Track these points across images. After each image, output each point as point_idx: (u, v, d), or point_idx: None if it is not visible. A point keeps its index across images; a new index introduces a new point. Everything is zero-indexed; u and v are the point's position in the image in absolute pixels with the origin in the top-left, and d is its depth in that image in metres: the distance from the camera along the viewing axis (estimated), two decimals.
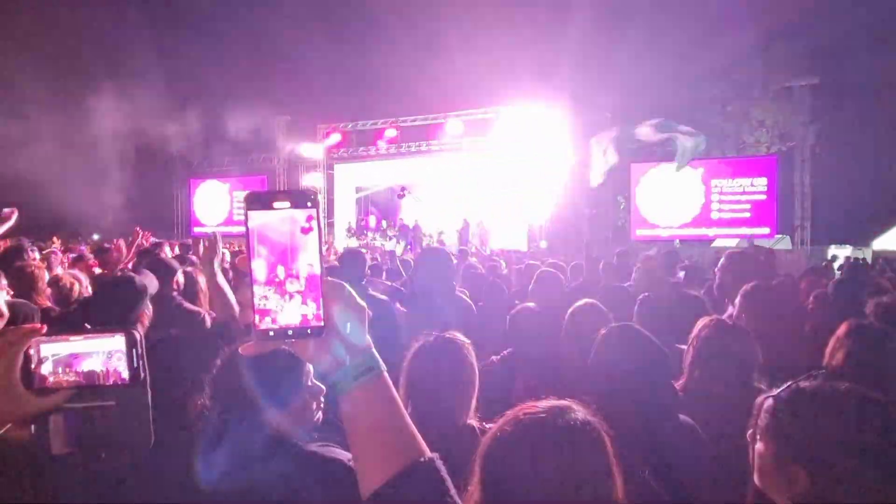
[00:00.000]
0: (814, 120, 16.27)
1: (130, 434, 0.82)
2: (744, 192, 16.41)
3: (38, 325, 0.81)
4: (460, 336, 1.86)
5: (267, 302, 0.71)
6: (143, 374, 0.81)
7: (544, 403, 1.13)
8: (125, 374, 0.80)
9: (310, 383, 1.47)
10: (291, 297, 0.72)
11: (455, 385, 1.73)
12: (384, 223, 19.05)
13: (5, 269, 3.17)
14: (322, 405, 1.50)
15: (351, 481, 0.76)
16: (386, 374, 0.77)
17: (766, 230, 15.87)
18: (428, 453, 0.75)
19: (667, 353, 1.82)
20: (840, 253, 14.60)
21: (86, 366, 0.79)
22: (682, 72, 19.50)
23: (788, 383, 1.20)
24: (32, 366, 0.79)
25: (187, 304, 3.32)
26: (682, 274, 5.65)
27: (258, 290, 0.71)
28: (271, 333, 0.72)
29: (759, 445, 1.20)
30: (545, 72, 17.98)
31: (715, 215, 16.69)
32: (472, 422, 1.77)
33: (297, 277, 0.72)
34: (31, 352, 0.79)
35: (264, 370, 1.36)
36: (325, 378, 0.78)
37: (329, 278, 0.73)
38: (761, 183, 16.21)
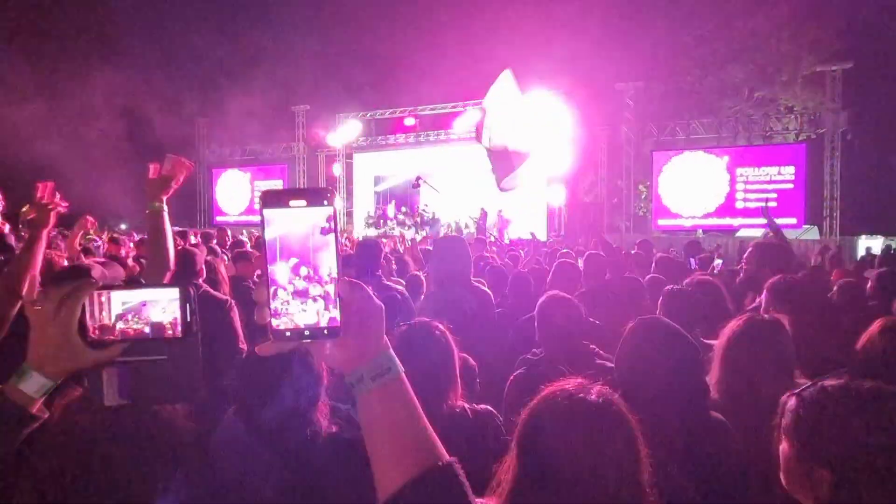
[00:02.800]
0: (845, 106, 15.73)
1: (181, 387, 0.84)
2: (770, 181, 16.01)
3: (95, 279, 0.80)
4: (432, 321, 1.90)
5: (283, 301, 0.70)
6: (195, 328, 0.82)
7: (573, 382, 1.19)
8: (179, 328, 0.80)
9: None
10: (308, 296, 0.70)
11: (430, 369, 1.74)
12: (403, 209, 19.03)
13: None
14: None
15: None
16: (403, 376, 0.75)
17: (793, 220, 15.47)
18: (446, 457, 0.73)
19: (698, 347, 1.77)
20: (874, 244, 14.10)
21: (153, 314, 0.79)
22: (708, 56, 19.05)
23: (812, 382, 1.17)
24: (96, 316, 0.78)
25: (213, 292, 3.32)
26: (709, 264, 5.55)
27: (274, 290, 0.70)
28: (288, 334, 0.70)
29: (783, 445, 1.17)
30: (565, 59, 17.68)
31: (740, 205, 16.33)
32: (462, 403, 1.83)
33: (314, 277, 0.70)
34: (103, 299, 0.79)
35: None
36: (342, 379, 0.76)
37: (346, 278, 0.72)
38: (789, 171, 15.79)
